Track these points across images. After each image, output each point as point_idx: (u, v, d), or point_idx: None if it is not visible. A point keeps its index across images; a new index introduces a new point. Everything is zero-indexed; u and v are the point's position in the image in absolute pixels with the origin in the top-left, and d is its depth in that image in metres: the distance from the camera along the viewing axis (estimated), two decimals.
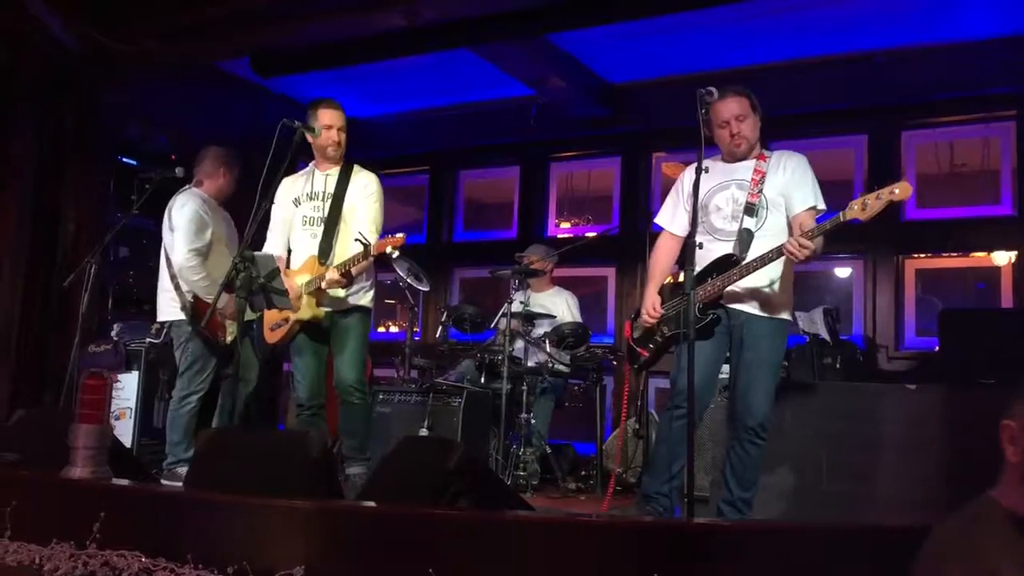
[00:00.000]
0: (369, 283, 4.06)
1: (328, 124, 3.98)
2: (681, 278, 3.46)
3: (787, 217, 3.39)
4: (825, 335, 5.15)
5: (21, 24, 5.45)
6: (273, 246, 4.10)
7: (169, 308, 4.53)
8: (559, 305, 5.88)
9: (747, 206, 3.32)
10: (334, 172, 4.06)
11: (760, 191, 3.36)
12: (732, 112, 3.39)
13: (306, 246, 4.02)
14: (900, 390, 4.37)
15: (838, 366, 5.05)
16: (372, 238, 3.78)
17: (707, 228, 3.42)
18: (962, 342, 4.59)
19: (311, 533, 2.51)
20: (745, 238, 3.31)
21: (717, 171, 3.48)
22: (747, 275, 3.26)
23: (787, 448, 4.37)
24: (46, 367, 5.47)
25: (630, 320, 3.69)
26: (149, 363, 5.20)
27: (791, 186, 3.37)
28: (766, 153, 3.48)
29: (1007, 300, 5.98)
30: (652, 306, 3.50)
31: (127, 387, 5.17)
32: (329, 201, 3.98)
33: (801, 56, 6.14)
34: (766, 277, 3.33)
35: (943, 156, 6.58)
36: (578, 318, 5.86)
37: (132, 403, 5.16)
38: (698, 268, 3.35)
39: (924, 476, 4.15)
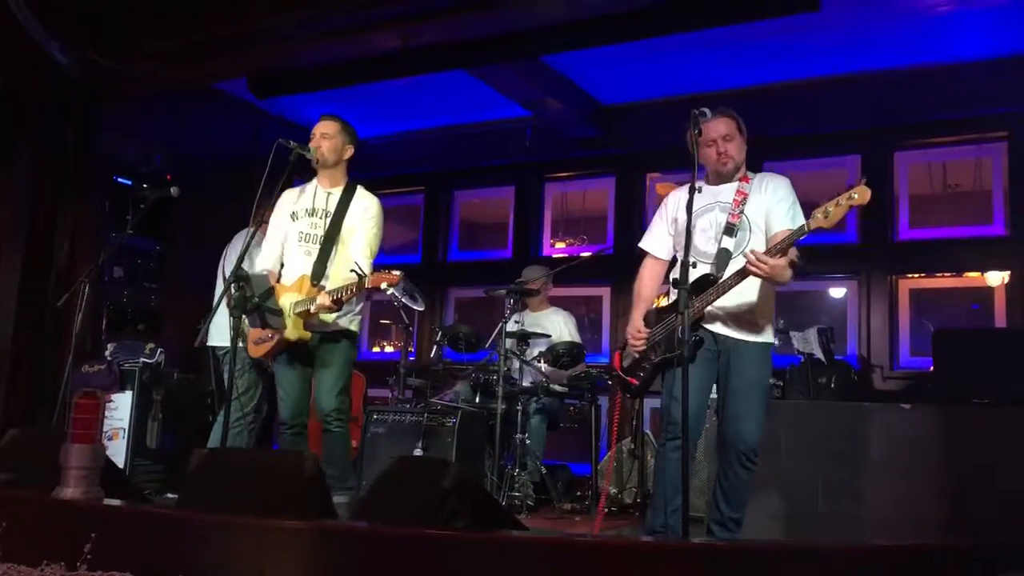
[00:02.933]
0: (359, 308, 4.01)
1: (312, 134, 4.03)
2: (664, 302, 3.54)
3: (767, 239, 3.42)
4: (820, 355, 5.16)
5: (21, 48, 5.48)
6: (267, 258, 4.06)
7: (224, 335, 4.49)
8: (556, 324, 5.88)
9: (727, 226, 3.38)
10: (336, 191, 4.00)
11: (741, 211, 3.41)
12: (720, 132, 3.47)
13: (299, 263, 3.94)
14: (895, 410, 4.38)
15: (833, 386, 5.05)
16: (366, 263, 3.75)
17: (692, 251, 3.40)
18: (956, 362, 4.61)
19: (304, 553, 2.49)
20: (723, 257, 3.34)
21: (704, 193, 3.52)
22: (723, 294, 3.27)
23: (782, 468, 4.37)
24: (40, 387, 5.45)
25: (619, 350, 3.67)
26: (143, 383, 5.20)
27: (772, 208, 3.42)
28: (750, 175, 3.54)
29: (1000, 320, 6.00)
30: (637, 329, 3.51)
31: (120, 407, 5.18)
32: (328, 220, 3.93)
33: (794, 78, 6.20)
34: (745, 301, 3.34)
35: (936, 176, 6.62)
36: (576, 337, 5.86)
37: (125, 423, 5.16)
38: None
39: (919, 496, 4.16)
